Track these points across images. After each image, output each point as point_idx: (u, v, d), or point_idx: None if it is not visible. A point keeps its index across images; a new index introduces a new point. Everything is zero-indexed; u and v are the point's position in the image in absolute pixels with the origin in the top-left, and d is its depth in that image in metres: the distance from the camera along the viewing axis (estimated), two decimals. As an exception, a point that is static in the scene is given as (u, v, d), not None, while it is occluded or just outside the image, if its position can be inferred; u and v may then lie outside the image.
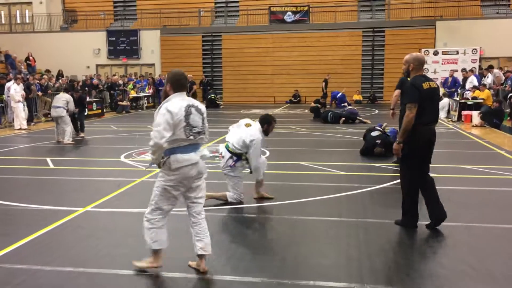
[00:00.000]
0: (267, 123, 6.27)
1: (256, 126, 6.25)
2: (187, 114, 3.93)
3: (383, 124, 10.69)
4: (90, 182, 7.64)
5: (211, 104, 23.75)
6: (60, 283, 3.90)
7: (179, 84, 4.03)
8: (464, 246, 4.67)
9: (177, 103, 3.94)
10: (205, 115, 4.13)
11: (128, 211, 5.91)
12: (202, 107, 4.15)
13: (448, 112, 17.16)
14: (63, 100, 11.98)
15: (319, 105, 17.85)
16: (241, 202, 6.11)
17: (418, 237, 4.91)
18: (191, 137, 4.00)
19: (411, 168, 5.08)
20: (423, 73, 5.19)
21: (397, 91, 8.48)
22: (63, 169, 8.79)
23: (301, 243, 4.79)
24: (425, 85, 4.93)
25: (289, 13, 26.09)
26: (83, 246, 4.72)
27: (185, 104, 3.95)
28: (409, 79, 5.20)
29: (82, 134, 13.11)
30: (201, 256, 4.09)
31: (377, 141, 9.55)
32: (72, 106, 12.08)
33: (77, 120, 12.98)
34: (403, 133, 4.96)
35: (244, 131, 6.17)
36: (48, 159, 9.56)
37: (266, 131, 6.27)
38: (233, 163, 6.09)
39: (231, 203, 6.12)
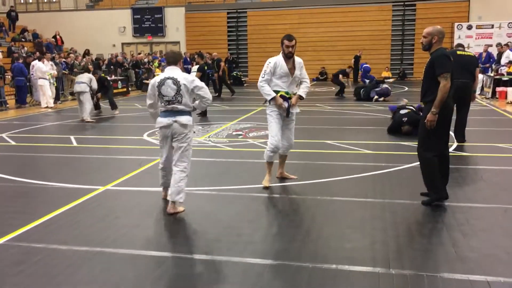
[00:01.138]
0: (281, 43, 5.64)
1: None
2: (159, 85, 4.88)
3: (403, 101, 10.34)
4: (111, 160, 7.59)
5: (236, 82, 23.62)
6: (76, 262, 3.82)
7: (168, 61, 5.05)
8: (498, 229, 4.39)
9: (159, 76, 4.97)
10: (183, 87, 4.85)
11: (149, 190, 5.82)
12: (183, 80, 4.87)
13: (482, 88, 16.48)
14: (86, 77, 12.04)
15: (341, 75, 17.51)
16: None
17: (448, 220, 4.65)
18: (163, 104, 4.96)
19: (440, 138, 5.04)
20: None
21: None
22: (86, 147, 8.78)
23: (324, 224, 4.60)
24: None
25: (316, -13, 25.39)
26: (101, 225, 4.65)
27: (163, 77, 4.88)
28: (431, 52, 5.10)
29: (116, 112, 13.14)
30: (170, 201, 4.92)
31: (403, 119, 9.20)
32: (95, 84, 12.09)
33: (107, 99, 13.14)
34: (440, 103, 4.86)
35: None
36: (72, 137, 9.57)
37: (283, 52, 5.60)
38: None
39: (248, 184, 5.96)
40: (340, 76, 17.57)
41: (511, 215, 4.75)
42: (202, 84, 5.04)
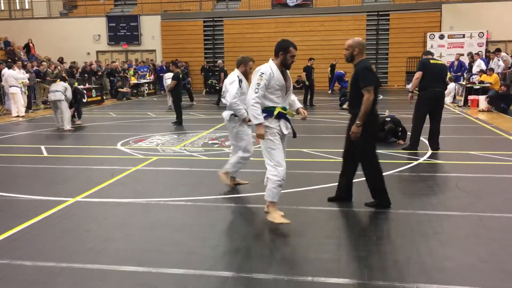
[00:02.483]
0: (279, 50, 4.72)
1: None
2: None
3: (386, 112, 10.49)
4: (83, 170, 7.38)
5: (212, 90, 23.55)
6: (41, 279, 3.65)
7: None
8: (474, 237, 4.39)
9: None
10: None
11: (120, 201, 5.65)
12: None
13: (454, 97, 16.76)
14: (61, 86, 11.79)
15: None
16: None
17: (424, 228, 4.62)
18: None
19: (373, 148, 5.19)
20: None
21: (419, 73, 8.15)
22: (57, 157, 8.53)
23: (301, 235, 4.52)
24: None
25: (292, -4, 25.57)
26: (70, 239, 4.47)
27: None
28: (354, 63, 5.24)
29: (78, 121, 12.88)
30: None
31: (387, 119, 9.33)
32: (69, 93, 11.85)
33: (74, 108, 12.85)
34: (364, 115, 4.94)
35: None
36: (43, 147, 9.31)
37: (284, 62, 4.70)
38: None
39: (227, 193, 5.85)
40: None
41: (486, 223, 4.75)
42: (229, 88, 5.70)
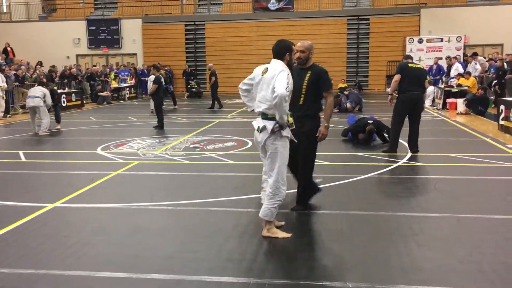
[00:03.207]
0: (286, 51, 4.46)
1: (275, 64, 4.43)
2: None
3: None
4: (62, 176, 7.28)
5: (192, 94, 23.51)
6: (19, 287, 3.59)
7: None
8: (452, 238, 4.45)
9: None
10: None
11: (100, 206, 5.59)
12: None
13: (433, 100, 17.02)
14: (40, 91, 11.61)
15: None
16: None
17: (403, 230, 4.68)
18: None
19: (315, 153, 5.30)
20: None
21: (397, 76, 8.26)
22: (35, 163, 8.41)
23: (280, 239, 4.52)
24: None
25: (273, 0, 25.70)
26: (48, 245, 4.40)
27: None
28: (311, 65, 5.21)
29: (58, 126, 12.71)
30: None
31: (369, 121, 9.45)
32: (49, 99, 11.70)
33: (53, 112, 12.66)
34: (330, 117, 5.10)
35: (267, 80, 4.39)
36: (21, 152, 9.16)
37: (291, 63, 4.53)
38: (278, 127, 4.35)
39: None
40: None
41: (464, 224, 4.83)
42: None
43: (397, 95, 8.53)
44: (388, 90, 23.75)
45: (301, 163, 5.20)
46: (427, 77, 19.27)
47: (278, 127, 4.31)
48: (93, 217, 5.27)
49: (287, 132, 4.41)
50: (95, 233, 4.70)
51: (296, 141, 4.68)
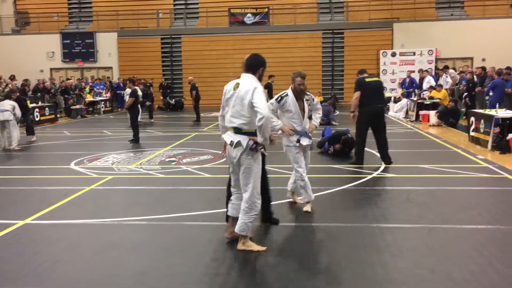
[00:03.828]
0: (261, 65, 4.52)
1: (247, 79, 4.44)
2: None
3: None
4: (33, 192, 7.14)
5: (169, 107, 23.49)
6: (-14, 307, 3.50)
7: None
8: (424, 249, 4.52)
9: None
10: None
11: (72, 222, 5.50)
12: None
13: (407, 112, 17.34)
14: (9, 105, 11.41)
15: None
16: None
17: (377, 241, 4.73)
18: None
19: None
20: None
21: (357, 93, 8.40)
22: (6, 178, 8.23)
23: (258, 252, 4.52)
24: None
25: (249, 14, 25.93)
26: (18, 262, 4.30)
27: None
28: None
29: (33, 138, 12.47)
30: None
31: (347, 133, 9.70)
32: (18, 112, 11.51)
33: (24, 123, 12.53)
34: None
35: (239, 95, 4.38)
36: (-9, 168, 8.97)
37: (260, 78, 4.53)
38: (254, 144, 4.35)
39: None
40: None
41: (435, 234, 4.92)
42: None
43: (358, 110, 8.63)
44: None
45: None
46: (401, 89, 19.74)
47: (254, 143, 4.31)
48: (65, 233, 5.17)
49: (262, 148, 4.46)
50: (67, 250, 4.62)
51: (266, 154, 4.69)
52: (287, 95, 5.69)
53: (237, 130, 4.39)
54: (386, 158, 8.57)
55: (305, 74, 5.73)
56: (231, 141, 4.41)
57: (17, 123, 11.68)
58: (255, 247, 4.50)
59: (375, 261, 4.22)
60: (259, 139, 4.27)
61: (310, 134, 5.87)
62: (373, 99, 8.36)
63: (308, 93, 5.87)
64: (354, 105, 8.61)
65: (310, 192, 5.76)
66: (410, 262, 4.20)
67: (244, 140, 4.33)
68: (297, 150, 5.75)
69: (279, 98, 5.68)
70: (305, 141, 5.75)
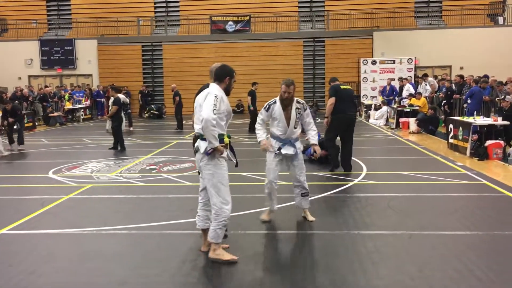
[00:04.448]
0: (226, 75, 4.54)
1: (210, 87, 4.50)
2: None
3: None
4: (10, 201, 6.98)
5: (152, 115, 23.34)
6: (-42, 321, 3.38)
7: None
8: (404, 255, 4.54)
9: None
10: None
11: (49, 232, 5.38)
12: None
13: (387, 119, 17.51)
14: None
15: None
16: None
17: (359, 248, 4.73)
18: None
19: None
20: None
21: (333, 99, 8.50)
22: (-18, 188, 8.04)
23: (238, 261, 4.48)
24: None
25: (231, 22, 25.98)
26: (-8, 275, 4.18)
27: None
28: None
29: (21, 147, 12.24)
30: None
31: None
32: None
33: (17, 132, 12.35)
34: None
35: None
36: (-34, 177, 8.75)
37: (229, 88, 4.57)
38: (211, 149, 4.31)
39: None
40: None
41: (416, 241, 4.94)
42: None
43: (331, 116, 8.67)
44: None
45: None
46: (381, 97, 19.95)
47: (211, 148, 4.27)
48: (41, 244, 5.06)
49: (225, 154, 4.39)
50: (43, 261, 4.51)
51: (235, 161, 4.66)
52: (275, 102, 5.63)
53: (200, 136, 4.40)
54: (347, 165, 8.65)
55: (291, 81, 5.56)
56: (196, 147, 4.45)
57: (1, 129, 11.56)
58: (226, 256, 4.41)
59: (356, 268, 4.21)
60: (206, 140, 4.29)
61: (297, 144, 5.69)
62: (346, 107, 8.50)
63: (300, 101, 5.70)
64: (328, 111, 8.67)
65: (275, 202, 5.67)
66: (391, 268, 4.21)
67: (203, 145, 4.33)
68: (275, 158, 5.62)
69: (267, 106, 5.62)
70: (287, 150, 5.57)
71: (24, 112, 18.70)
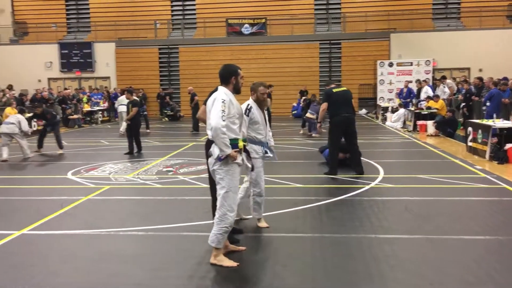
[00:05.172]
0: (231, 75, 4.47)
1: (217, 91, 4.45)
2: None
3: None
4: (30, 202, 7.10)
5: (168, 117, 23.52)
6: (-20, 319, 3.45)
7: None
8: (421, 259, 4.50)
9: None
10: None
11: (68, 233, 5.46)
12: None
13: (404, 122, 17.36)
14: (15, 118, 11.48)
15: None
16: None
17: (375, 252, 4.70)
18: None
19: None
20: None
21: (324, 105, 8.65)
22: (3, 188, 8.18)
23: (254, 262, 4.50)
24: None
25: (247, 25, 26.04)
26: (14, 274, 4.26)
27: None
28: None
29: (61, 151, 12.20)
30: None
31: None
32: (25, 126, 11.51)
33: (54, 135, 12.44)
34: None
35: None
36: (-13, 178, 8.92)
37: (238, 87, 4.52)
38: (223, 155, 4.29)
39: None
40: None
41: (434, 245, 4.89)
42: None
43: (329, 120, 8.80)
44: (360, 112, 24.08)
45: None
46: (398, 99, 19.78)
47: (223, 155, 4.23)
48: (61, 244, 5.13)
49: (239, 159, 4.34)
50: (62, 261, 4.58)
51: (251, 165, 4.61)
52: (251, 106, 5.41)
53: (211, 141, 4.36)
54: (357, 166, 8.60)
55: (265, 84, 5.60)
56: (209, 151, 4.42)
57: (24, 137, 11.69)
58: (226, 262, 4.37)
59: (372, 272, 4.19)
60: (216, 150, 4.26)
61: (272, 147, 5.64)
62: (340, 108, 8.51)
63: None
64: (321, 116, 9.01)
65: (263, 208, 5.61)
66: (408, 273, 4.18)
67: (216, 151, 4.29)
68: (261, 163, 5.45)
69: (247, 111, 5.36)
70: (270, 153, 5.53)
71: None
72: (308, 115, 15.49)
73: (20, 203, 7.06)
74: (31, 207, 6.74)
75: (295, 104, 24.03)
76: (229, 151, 4.19)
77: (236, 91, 4.48)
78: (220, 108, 4.18)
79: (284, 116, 24.39)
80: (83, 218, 6.13)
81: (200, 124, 17.65)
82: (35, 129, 17.02)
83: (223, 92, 4.36)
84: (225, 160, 4.26)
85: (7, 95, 19.55)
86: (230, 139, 4.23)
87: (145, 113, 19.34)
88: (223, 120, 4.15)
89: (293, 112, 23.88)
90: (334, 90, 8.71)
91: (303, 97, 21.44)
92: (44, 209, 6.54)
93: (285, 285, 3.97)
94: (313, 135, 14.99)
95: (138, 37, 27.25)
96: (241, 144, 4.37)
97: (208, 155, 4.50)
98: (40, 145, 12.74)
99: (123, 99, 16.24)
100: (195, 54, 26.31)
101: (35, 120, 17.10)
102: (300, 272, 4.26)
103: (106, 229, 5.54)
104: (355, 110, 9.31)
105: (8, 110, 15.05)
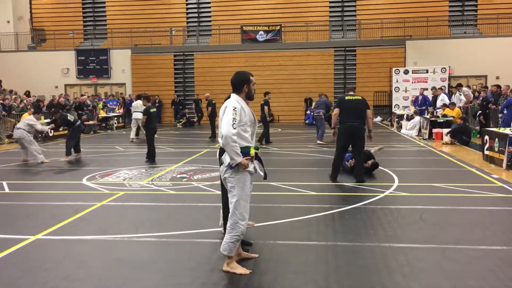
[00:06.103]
0: (243, 83, 4.42)
1: (229, 99, 4.42)
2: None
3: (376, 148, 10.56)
4: (45, 207, 7.18)
5: (182, 124, 23.67)
6: (-5, 323, 3.49)
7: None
8: (437, 269, 4.43)
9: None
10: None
11: (83, 238, 5.50)
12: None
13: (419, 130, 17.21)
14: (23, 123, 11.65)
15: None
16: None
17: (389, 261, 4.65)
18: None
19: None
20: None
21: (336, 110, 8.71)
22: (19, 194, 8.29)
23: (267, 270, 4.48)
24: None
25: (261, 32, 26.14)
26: (28, 279, 4.30)
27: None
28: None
29: (77, 155, 12.38)
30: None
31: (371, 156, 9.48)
32: (39, 127, 11.70)
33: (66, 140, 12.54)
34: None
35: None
36: (4, 183, 9.03)
37: (250, 94, 4.47)
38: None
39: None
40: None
41: (449, 255, 4.82)
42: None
43: (338, 127, 8.85)
44: (376, 120, 23.98)
45: None
46: (413, 107, 19.63)
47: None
48: (75, 249, 5.17)
49: (250, 167, 4.31)
50: (76, 266, 4.61)
51: (264, 173, 4.54)
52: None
53: (223, 148, 4.33)
54: (357, 176, 8.57)
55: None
56: (221, 159, 4.41)
57: (36, 138, 11.83)
58: (239, 269, 4.36)
59: (386, 282, 4.14)
60: (227, 158, 4.23)
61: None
62: (349, 117, 8.52)
63: None
64: (333, 122, 9.15)
65: None
66: (423, 283, 4.12)
67: (227, 159, 4.27)
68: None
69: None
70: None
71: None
72: (316, 113, 15.38)
73: (35, 208, 7.14)
74: (46, 212, 6.81)
75: (308, 112, 24.01)
76: (239, 159, 4.17)
77: (249, 98, 4.47)
78: (231, 115, 4.18)
79: (298, 123, 24.39)
80: (97, 223, 6.17)
81: (217, 131, 17.74)
82: (51, 135, 17.27)
83: (235, 100, 4.35)
84: (236, 168, 4.24)
85: (25, 101, 19.84)
86: (241, 147, 4.22)
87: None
88: (234, 128, 4.14)
89: (306, 121, 23.85)
90: (346, 98, 8.72)
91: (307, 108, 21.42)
92: (59, 214, 6.60)
93: (298, 293, 3.95)
94: (318, 142, 14.90)
95: (154, 44, 27.52)
96: (252, 152, 4.34)
97: (220, 162, 4.49)
98: (76, 150, 12.53)
99: (138, 105, 16.37)
100: (210, 61, 26.47)
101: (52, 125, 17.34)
102: (313, 281, 4.23)
103: (120, 235, 5.57)
104: (371, 118, 9.23)
105: (25, 116, 15.23)
